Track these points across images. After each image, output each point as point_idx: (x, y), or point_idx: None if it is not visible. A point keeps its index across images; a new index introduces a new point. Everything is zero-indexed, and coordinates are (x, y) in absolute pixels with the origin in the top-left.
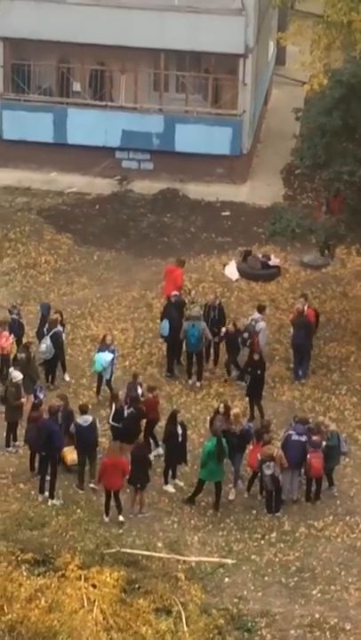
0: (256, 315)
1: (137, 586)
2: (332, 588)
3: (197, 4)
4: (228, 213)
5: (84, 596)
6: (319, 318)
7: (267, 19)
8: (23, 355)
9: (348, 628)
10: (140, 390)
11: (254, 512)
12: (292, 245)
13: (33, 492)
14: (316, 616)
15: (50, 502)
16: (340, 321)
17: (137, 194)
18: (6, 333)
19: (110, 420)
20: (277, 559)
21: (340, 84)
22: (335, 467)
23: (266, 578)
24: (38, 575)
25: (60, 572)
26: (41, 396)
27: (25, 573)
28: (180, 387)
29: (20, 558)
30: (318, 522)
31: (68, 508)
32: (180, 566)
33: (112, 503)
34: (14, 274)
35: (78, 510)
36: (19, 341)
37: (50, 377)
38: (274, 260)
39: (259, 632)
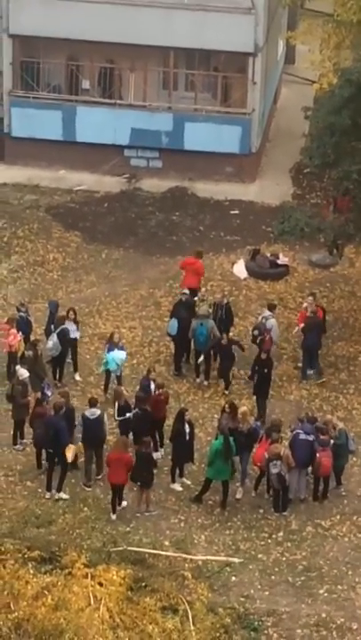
0: (267, 312)
1: (143, 584)
2: (339, 587)
3: (207, 3)
4: (236, 212)
5: (91, 594)
6: (326, 317)
7: (276, 17)
8: (30, 352)
9: (354, 627)
10: (152, 385)
11: (261, 511)
12: (301, 244)
13: (40, 490)
14: (323, 615)
15: (57, 495)
16: (348, 320)
17: (146, 192)
18: (14, 331)
19: (116, 417)
20: (284, 558)
21: (349, 83)
22: (344, 465)
23: (273, 577)
24: (45, 573)
25: (66, 570)
26: (48, 393)
27: (31, 571)
28: (187, 385)
29: (26, 556)
30: (326, 521)
31: (75, 506)
32: (186, 565)
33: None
34: (22, 271)
35: (85, 508)
36: (26, 339)
37: (58, 374)
38: (282, 259)
39: (265, 631)
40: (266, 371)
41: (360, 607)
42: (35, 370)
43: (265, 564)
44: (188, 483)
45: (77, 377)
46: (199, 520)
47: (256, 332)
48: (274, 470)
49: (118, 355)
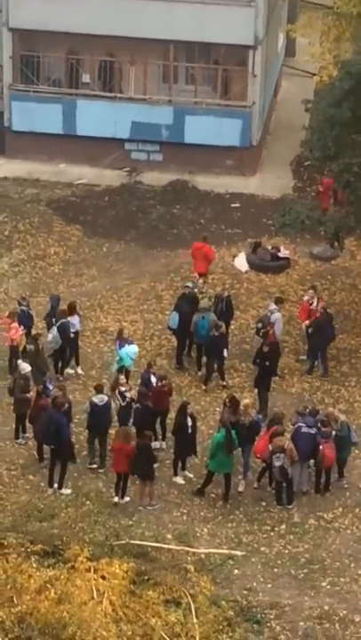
0: (272, 306)
1: (146, 577)
2: (342, 579)
3: None
4: (237, 205)
5: (94, 588)
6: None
7: (276, 10)
8: (32, 346)
9: (357, 619)
10: (153, 379)
11: (264, 504)
12: (302, 237)
13: (42, 484)
14: (326, 608)
15: (59, 492)
16: (349, 313)
17: (146, 185)
18: (16, 325)
19: (122, 403)
20: (287, 551)
21: (349, 75)
22: (347, 457)
23: (275, 569)
24: (48, 567)
25: (69, 564)
26: (50, 387)
27: (34, 565)
28: (189, 378)
29: (29, 550)
30: (328, 514)
31: (78, 500)
32: (189, 558)
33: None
34: (24, 265)
35: (88, 502)
36: (28, 333)
37: (59, 368)
38: (283, 252)
39: (268, 624)
40: (268, 363)
41: None
42: (36, 364)
43: (267, 557)
44: (191, 476)
45: (79, 370)
46: (202, 513)
47: (260, 325)
48: (277, 463)
49: (131, 349)
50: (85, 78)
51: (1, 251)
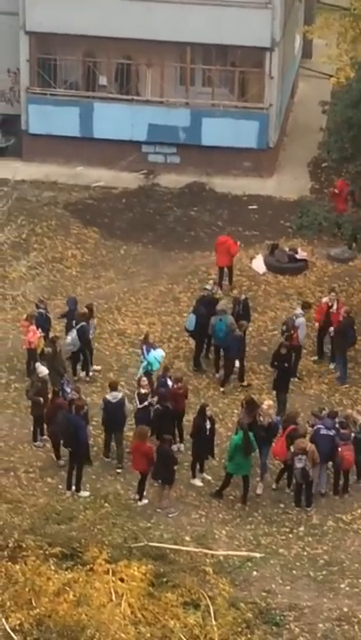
0: (298, 310)
1: (165, 580)
2: None
3: None
4: (254, 207)
5: (112, 590)
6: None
7: (293, 12)
8: (50, 349)
9: None
10: (169, 383)
11: (282, 505)
12: (320, 239)
13: (61, 487)
14: (345, 610)
15: (76, 495)
16: None
17: (163, 188)
18: (33, 327)
19: (138, 405)
20: (306, 553)
21: None
22: None
23: (294, 571)
24: (66, 569)
25: (87, 566)
26: (68, 390)
27: (53, 567)
28: (207, 380)
29: (47, 552)
30: (347, 515)
31: (96, 502)
32: (207, 560)
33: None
34: (41, 268)
35: (106, 504)
36: (46, 336)
37: (78, 370)
38: (301, 254)
39: (287, 626)
40: (286, 365)
41: None
42: (54, 366)
43: (286, 559)
44: (209, 478)
45: (96, 367)
46: (220, 515)
47: (284, 328)
48: (299, 465)
49: (158, 353)
50: (102, 81)
51: (18, 254)
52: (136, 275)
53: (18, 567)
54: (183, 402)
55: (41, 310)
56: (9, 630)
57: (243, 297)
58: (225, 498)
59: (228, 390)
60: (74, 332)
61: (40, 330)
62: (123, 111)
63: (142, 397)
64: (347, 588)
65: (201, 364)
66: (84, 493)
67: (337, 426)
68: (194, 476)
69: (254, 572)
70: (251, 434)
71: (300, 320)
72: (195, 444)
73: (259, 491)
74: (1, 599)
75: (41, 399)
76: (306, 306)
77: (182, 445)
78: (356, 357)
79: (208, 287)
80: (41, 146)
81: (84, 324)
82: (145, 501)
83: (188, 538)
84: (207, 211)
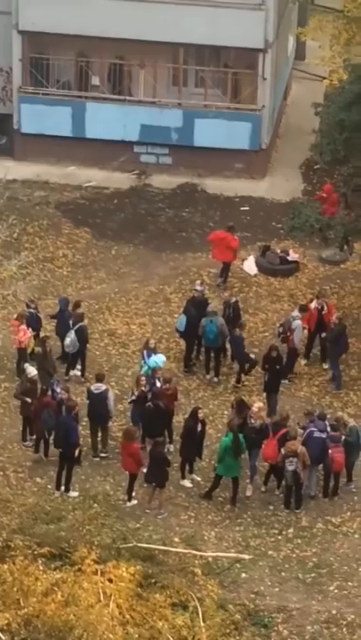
0: (295, 313)
1: (153, 581)
2: (350, 584)
3: None
4: (246, 208)
5: (101, 591)
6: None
7: (286, 13)
8: (40, 349)
9: None
10: (158, 384)
11: (271, 507)
12: (311, 240)
13: (50, 486)
14: (333, 612)
15: (65, 495)
16: (358, 317)
17: (155, 188)
18: (24, 327)
19: (129, 401)
20: (295, 555)
21: (359, 79)
22: (355, 462)
23: (283, 573)
24: (55, 569)
25: (76, 567)
26: (58, 390)
27: (41, 567)
28: (197, 382)
29: (36, 552)
30: (336, 518)
31: (85, 503)
32: (196, 561)
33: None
34: (32, 268)
35: (95, 505)
36: (36, 336)
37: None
38: (292, 256)
39: (275, 628)
40: (277, 367)
41: None
42: (44, 366)
43: (275, 561)
44: (198, 479)
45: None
46: (209, 516)
47: (280, 329)
48: (290, 467)
49: (159, 358)
50: (95, 81)
51: (9, 253)
52: (127, 275)
53: (6, 567)
54: (173, 402)
55: (31, 310)
56: None
57: (233, 300)
58: (214, 499)
59: (219, 392)
60: (72, 334)
61: (30, 330)
62: (115, 111)
63: (141, 395)
64: (335, 591)
65: (192, 365)
66: (73, 494)
67: (328, 428)
68: (183, 477)
69: (243, 574)
70: (240, 435)
71: (297, 323)
72: (183, 445)
73: (248, 492)
74: None
75: (28, 399)
76: (303, 309)
77: (172, 446)
78: (346, 360)
79: (198, 288)
80: (33, 145)
81: (82, 324)
82: (134, 502)
83: (177, 539)
84: (199, 212)
